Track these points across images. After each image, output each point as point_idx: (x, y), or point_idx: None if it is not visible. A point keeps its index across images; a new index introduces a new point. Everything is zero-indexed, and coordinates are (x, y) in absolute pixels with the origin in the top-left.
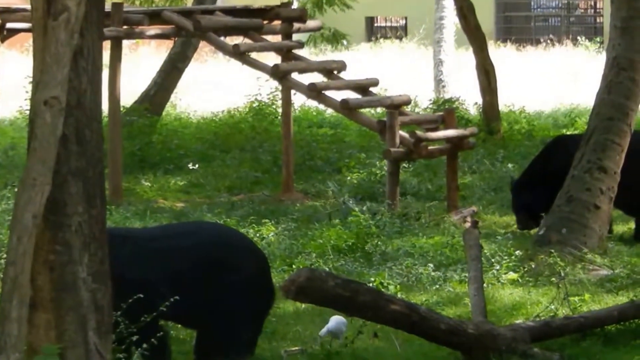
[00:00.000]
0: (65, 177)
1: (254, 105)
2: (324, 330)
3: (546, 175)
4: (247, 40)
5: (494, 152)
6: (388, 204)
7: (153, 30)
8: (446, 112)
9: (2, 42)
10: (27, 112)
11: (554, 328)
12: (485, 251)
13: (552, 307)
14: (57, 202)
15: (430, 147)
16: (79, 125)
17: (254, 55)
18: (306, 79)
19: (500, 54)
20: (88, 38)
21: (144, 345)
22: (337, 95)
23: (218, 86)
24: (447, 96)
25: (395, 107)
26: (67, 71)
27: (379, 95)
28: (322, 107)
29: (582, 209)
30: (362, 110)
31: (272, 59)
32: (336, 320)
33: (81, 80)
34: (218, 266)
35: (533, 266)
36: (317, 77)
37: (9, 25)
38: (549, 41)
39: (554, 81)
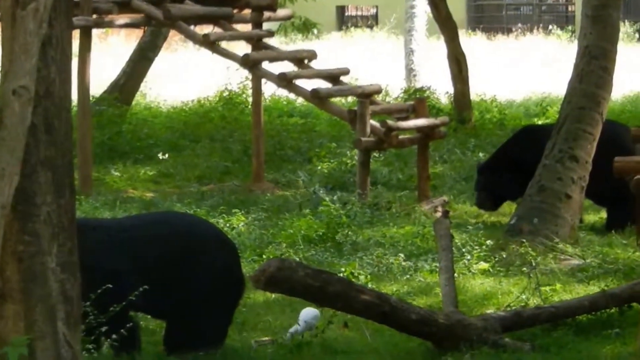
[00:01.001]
0: (34, 166)
1: (224, 94)
2: (293, 329)
3: (510, 163)
4: (217, 29)
5: (465, 141)
6: (359, 193)
7: (123, 19)
8: (417, 101)
9: None
10: None
11: (525, 318)
12: (456, 241)
13: (524, 297)
14: (25, 192)
15: (401, 137)
16: (48, 115)
17: (224, 44)
18: (276, 68)
19: (472, 43)
20: (57, 27)
21: (114, 336)
22: (308, 85)
23: (188, 75)
24: (418, 85)
25: (366, 96)
26: (36, 61)
27: (350, 84)
28: (292, 96)
29: (553, 198)
30: (333, 99)
31: (242, 48)
32: (307, 314)
33: (50, 69)
34: (188, 257)
35: (504, 256)
36: (287, 67)
37: None
38: (520, 30)
39: (526, 70)
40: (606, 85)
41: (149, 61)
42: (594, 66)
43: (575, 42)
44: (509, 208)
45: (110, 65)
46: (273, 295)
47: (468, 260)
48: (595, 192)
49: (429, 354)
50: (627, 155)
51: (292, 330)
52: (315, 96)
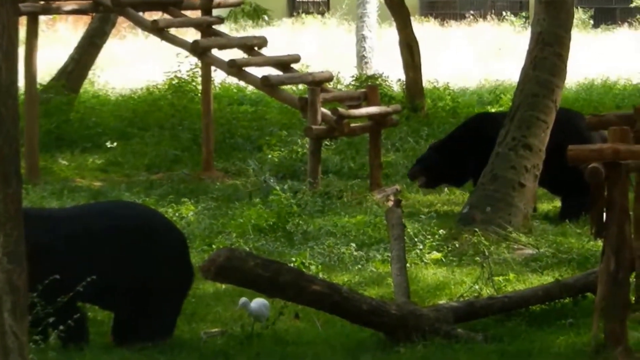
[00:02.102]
0: None
1: (174, 82)
2: (244, 300)
3: (459, 148)
4: (166, 16)
5: (418, 129)
6: (310, 182)
7: (70, 5)
8: (369, 88)
9: None
10: None
11: (478, 308)
12: (409, 230)
13: (476, 287)
14: None
15: (352, 125)
16: None
17: (173, 31)
18: (226, 55)
19: (424, 29)
20: (3, 13)
21: (61, 327)
22: (258, 72)
23: (137, 63)
24: (370, 72)
25: (317, 83)
26: None
27: (301, 71)
28: (242, 84)
29: (506, 187)
30: (284, 87)
31: (191, 35)
32: (258, 302)
33: None
34: (136, 246)
35: (457, 245)
36: (237, 54)
37: None
38: (473, 16)
39: (479, 57)
40: (560, 73)
41: (97, 48)
42: (548, 53)
43: (529, 28)
44: (462, 197)
45: (58, 53)
46: (223, 286)
47: (420, 249)
48: (549, 180)
49: (381, 344)
50: (581, 143)
51: (243, 300)
52: (266, 84)
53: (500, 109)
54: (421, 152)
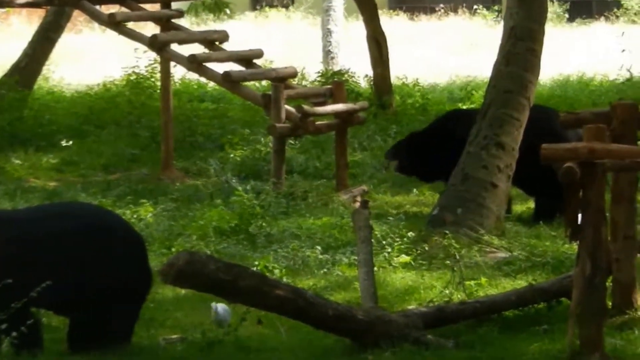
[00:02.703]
0: None
1: (132, 78)
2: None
3: (427, 146)
4: (124, 9)
5: (386, 127)
6: (273, 182)
7: None
8: (335, 85)
9: None
10: None
11: (448, 314)
12: (376, 233)
13: (447, 291)
14: None
15: (318, 123)
16: None
17: (131, 25)
18: (186, 50)
19: (393, 23)
20: None
21: (14, 334)
22: (219, 68)
23: (93, 58)
24: (336, 68)
25: (281, 80)
26: None
27: (264, 67)
28: (203, 80)
29: (478, 187)
30: (246, 83)
31: (150, 29)
32: (220, 307)
33: None
34: (92, 250)
35: (426, 248)
36: (198, 48)
37: None
38: (443, 10)
39: (450, 52)
40: (533, 68)
41: (52, 42)
42: (521, 48)
43: (502, 22)
44: (432, 198)
45: (13, 47)
46: (183, 291)
47: (388, 253)
48: (522, 180)
49: (347, 351)
50: (555, 141)
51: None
52: (227, 80)
53: (472, 106)
54: None
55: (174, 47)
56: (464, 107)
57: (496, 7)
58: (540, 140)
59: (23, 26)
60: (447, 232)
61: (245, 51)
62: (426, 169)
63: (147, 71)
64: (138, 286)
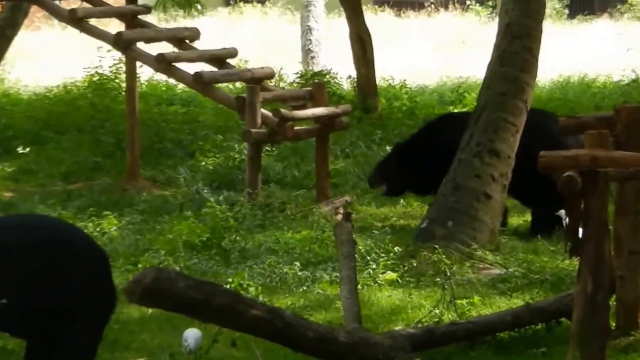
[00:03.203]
0: None
1: (94, 79)
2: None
3: (418, 154)
4: (86, 5)
5: (371, 133)
6: (248, 193)
7: None
8: (315, 87)
9: None
10: None
11: (438, 335)
12: (360, 247)
13: (437, 311)
14: None
15: (296, 128)
16: None
17: (93, 21)
18: (154, 49)
19: (378, 20)
20: None
21: None
22: (190, 68)
23: (53, 57)
24: (316, 69)
25: (257, 81)
26: None
27: (238, 67)
28: (172, 81)
29: (470, 198)
30: (219, 85)
31: (114, 26)
32: (193, 337)
33: None
34: (51, 266)
35: (414, 265)
36: (166, 47)
37: None
38: (433, 5)
39: (440, 51)
40: (531, 69)
41: (8, 40)
42: (517, 47)
43: (496, 19)
44: (420, 210)
45: None
46: (150, 311)
47: (373, 269)
48: (518, 190)
49: None
50: (554, 148)
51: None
52: (198, 81)
53: (464, 109)
54: (374, 159)
55: (141, 45)
56: (456, 111)
57: (490, 3)
58: (537, 147)
59: None
60: (436, 246)
61: (218, 50)
62: (421, 180)
63: (111, 72)
64: (101, 306)
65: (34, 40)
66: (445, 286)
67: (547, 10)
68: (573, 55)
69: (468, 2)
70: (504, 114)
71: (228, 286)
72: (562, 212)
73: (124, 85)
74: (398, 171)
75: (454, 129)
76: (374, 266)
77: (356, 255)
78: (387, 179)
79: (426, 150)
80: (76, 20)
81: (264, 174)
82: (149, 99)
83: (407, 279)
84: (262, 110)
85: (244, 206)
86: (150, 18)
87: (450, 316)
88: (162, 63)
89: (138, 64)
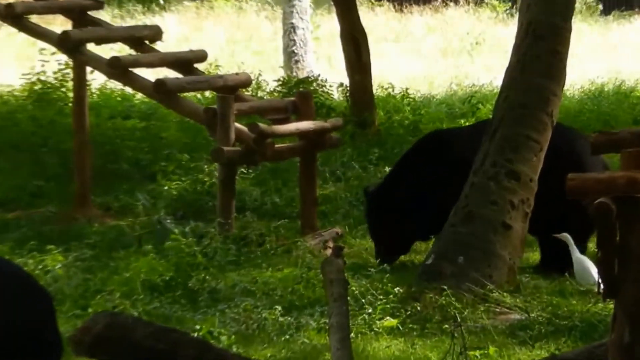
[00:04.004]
0: None
1: (36, 87)
2: None
3: (411, 183)
4: None
5: (367, 151)
6: (220, 223)
7: None
8: (300, 96)
9: None
10: None
11: None
12: (353, 288)
13: None
14: None
15: (277, 146)
16: None
17: (35, 18)
18: (107, 51)
19: (376, 16)
20: None
21: None
22: (150, 74)
23: None
24: (301, 75)
25: (230, 90)
26: None
27: (208, 73)
28: (129, 90)
29: (485, 229)
30: (184, 94)
31: (60, 24)
32: None
33: None
34: None
35: (418, 309)
36: (122, 49)
37: None
38: (441, 0)
39: (449, 55)
40: (557, 75)
41: None
42: (541, 49)
43: (516, 16)
44: (425, 243)
45: None
46: None
47: (369, 314)
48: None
49: None
50: (578, 169)
51: None
52: (160, 90)
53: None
54: (369, 182)
55: (91, 47)
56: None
57: None
58: (558, 167)
59: None
60: (444, 287)
61: (184, 53)
62: (421, 219)
63: (56, 79)
64: (43, 357)
65: None
66: (455, 334)
67: (577, 5)
68: (608, 58)
69: None
70: (525, 129)
71: (196, 334)
72: (565, 235)
73: (71, 95)
74: (382, 226)
75: (442, 150)
76: (370, 311)
77: (349, 298)
78: (383, 240)
79: (413, 185)
80: (14, 17)
81: (239, 200)
82: (102, 112)
83: (410, 326)
84: (237, 124)
85: (214, 239)
86: (102, 14)
87: None
88: (117, 68)
89: (88, 69)
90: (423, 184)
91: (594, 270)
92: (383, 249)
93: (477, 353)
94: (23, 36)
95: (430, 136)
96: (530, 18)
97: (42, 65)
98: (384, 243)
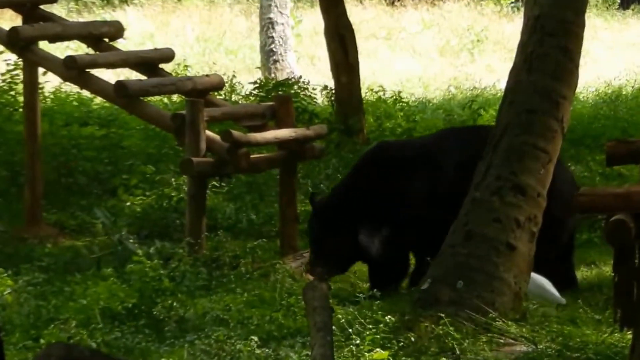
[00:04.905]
0: None
1: None
2: None
3: (359, 200)
4: None
5: (354, 162)
6: (189, 243)
7: None
8: (279, 101)
9: None
10: None
11: None
12: (339, 316)
13: None
14: None
15: (253, 156)
16: None
17: None
18: (62, 50)
19: (364, 11)
20: None
21: None
22: (111, 76)
23: None
24: (281, 77)
25: (200, 93)
26: None
27: (175, 75)
28: (87, 93)
29: (488, 250)
30: (149, 98)
31: (9, 19)
32: None
33: None
34: None
35: (413, 339)
36: (79, 48)
37: None
38: None
39: (447, 54)
40: (568, 77)
41: None
42: (550, 47)
43: (522, 10)
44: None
45: None
46: None
47: (357, 345)
48: None
49: None
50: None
51: None
52: (122, 93)
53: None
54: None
55: (44, 46)
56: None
57: None
58: (559, 181)
59: None
60: (442, 315)
61: (149, 52)
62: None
63: (4, 81)
64: None
65: None
66: None
67: None
68: (626, 58)
69: None
70: (533, 137)
71: None
72: (534, 275)
73: (21, 99)
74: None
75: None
76: (358, 341)
77: (334, 327)
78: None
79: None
80: None
81: (210, 218)
82: (56, 118)
83: (403, 358)
84: (208, 132)
85: (183, 261)
86: (56, 9)
87: None
88: (73, 69)
89: (40, 70)
90: (371, 196)
91: (548, 285)
92: (320, 262)
93: None
94: None
95: (378, 147)
96: (538, 12)
97: None
98: (323, 255)
